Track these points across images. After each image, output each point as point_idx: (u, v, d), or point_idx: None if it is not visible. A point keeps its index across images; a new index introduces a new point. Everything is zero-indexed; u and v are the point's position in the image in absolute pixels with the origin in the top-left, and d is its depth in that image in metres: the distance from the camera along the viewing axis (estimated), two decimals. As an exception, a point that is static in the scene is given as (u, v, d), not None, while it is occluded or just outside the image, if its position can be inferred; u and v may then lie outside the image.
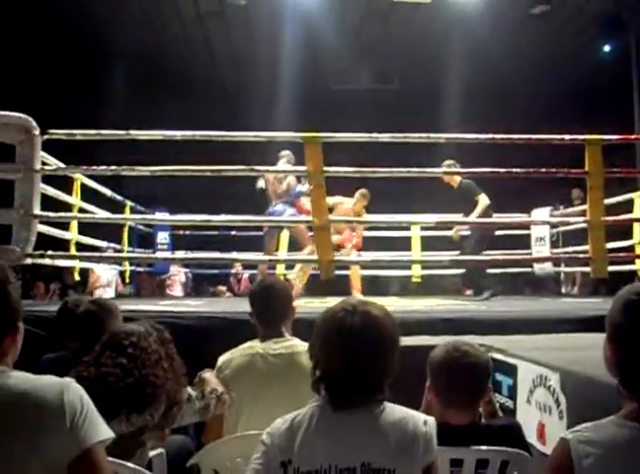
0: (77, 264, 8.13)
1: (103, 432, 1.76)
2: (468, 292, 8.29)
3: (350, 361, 1.95)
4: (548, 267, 10.61)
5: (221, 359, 3.34)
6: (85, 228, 8.13)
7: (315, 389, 2.03)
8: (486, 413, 2.80)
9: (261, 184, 8.00)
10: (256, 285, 3.75)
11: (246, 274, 12.98)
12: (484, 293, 8.01)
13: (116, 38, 13.09)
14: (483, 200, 7.92)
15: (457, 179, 8.09)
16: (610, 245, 7.62)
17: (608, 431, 1.64)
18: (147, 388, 2.74)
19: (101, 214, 8.40)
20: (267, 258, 7.39)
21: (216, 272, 12.83)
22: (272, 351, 3.24)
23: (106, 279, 10.55)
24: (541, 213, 10.21)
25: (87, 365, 2.80)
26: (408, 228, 10.22)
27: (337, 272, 6.28)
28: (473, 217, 7.85)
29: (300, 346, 3.19)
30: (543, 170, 6.71)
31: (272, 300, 3.40)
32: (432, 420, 1.99)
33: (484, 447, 2.41)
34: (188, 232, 11.88)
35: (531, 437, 3.03)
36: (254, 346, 3.31)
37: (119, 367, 2.76)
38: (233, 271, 13.05)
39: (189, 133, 6.18)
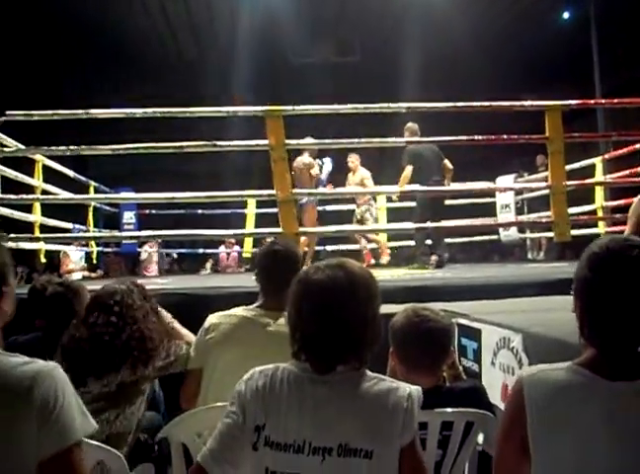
0: (42, 246, 8.04)
1: (79, 430, 1.66)
2: (434, 258, 8.37)
3: (319, 317, 1.86)
4: (514, 233, 10.73)
5: (210, 321, 3.12)
6: (49, 210, 8.04)
7: (296, 358, 1.93)
8: (450, 376, 2.83)
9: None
10: (263, 248, 3.35)
11: (235, 251, 13.04)
12: (430, 259, 8.15)
13: (70, 9, 12.82)
14: (405, 172, 8.06)
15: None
16: (574, 210, 7.75)
17: (560, 373, 1.71)
18: (146, 342, 2.81)
19: (64, 195, 8.30)
20: (231, 232, 7.38)
21: (197, 251, 12.80)
22: (266, 325, 3.01)
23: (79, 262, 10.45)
24: (506, 181, 10.30)
25: (77, 327, 2.85)
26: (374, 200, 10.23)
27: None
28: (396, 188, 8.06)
29: None
30: (505, 136, 6.75)
31: (278, 266, 3.08)
32: (416, 392, 1.88)
33: (448, 410, 2.43)
34: (154, 211, 11.82)
35: (496, 399, 3.07)
36: (247, 315, 3.09)
37: (111, 326, 2.83)
38: (225, 248, 13.06)
39: (149, 111, 6.12)
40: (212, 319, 3.13)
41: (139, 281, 3.30)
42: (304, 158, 8.40)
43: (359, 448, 1.77)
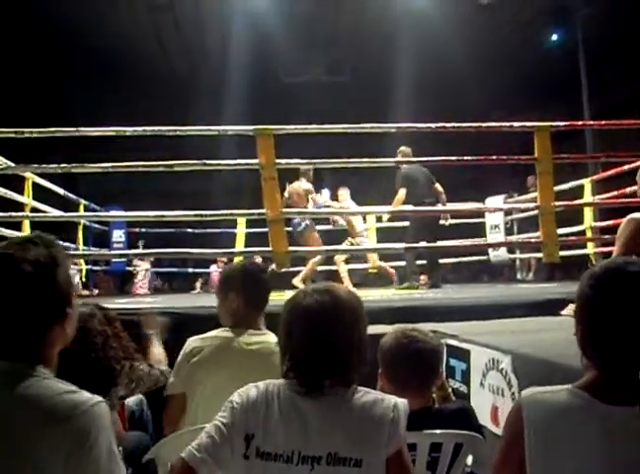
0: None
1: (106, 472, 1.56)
2: (422, 277, 8.42)
3: (309, 341, 1.94)
4: (503, 254, 10.75)
5: (192, 344, 3.15)
6: (38, 228, 7.95)
7: (285, 377, 1.98)
8: (439, 397, 2.83)
9: (286, 193, 8.39)
10: (242, 268, 3.42)
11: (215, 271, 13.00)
12: (420, 280, 8.29)
13: (64, 30, 12.85)
14: (399, 194, 8.12)
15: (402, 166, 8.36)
16: (563, 230, 7.77)
17: (559, 396, 1.71)
18: (104, 370, 2.76)
19: (53, 213, 8.27)
20: (221, 251, 7.36)
21: (187, 270, 12.77)
22: (246, 345, 3.07)
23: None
24: (495, 202, 10.34)
25: None
26: (364, 220, 10.26)
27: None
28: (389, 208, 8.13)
29: (275, 342, 2.97)
30: (494, 157, 6.79)
31: (254, 286, 3.21)
32: (403, 404, 1.94)
33: (437, 431, 2.42)
34: (144, 230, 11.80)
35: (485, 420, 3.07)
36: (228, 336, 3.13)
37: (69, 353, 2.77)
38: (217, 267, 13.05)
39: (139, 129, 6.10)
40: (194, 343, 3.15)
41: (125, 300, 3.30)
42: (303, 184, 8.50)
43: (348, 457, 1.82)
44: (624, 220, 3.84)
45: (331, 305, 1.96)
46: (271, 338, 3.07)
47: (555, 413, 1.68)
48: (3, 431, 1.53)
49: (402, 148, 8.30)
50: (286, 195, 8.43)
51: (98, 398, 1.63)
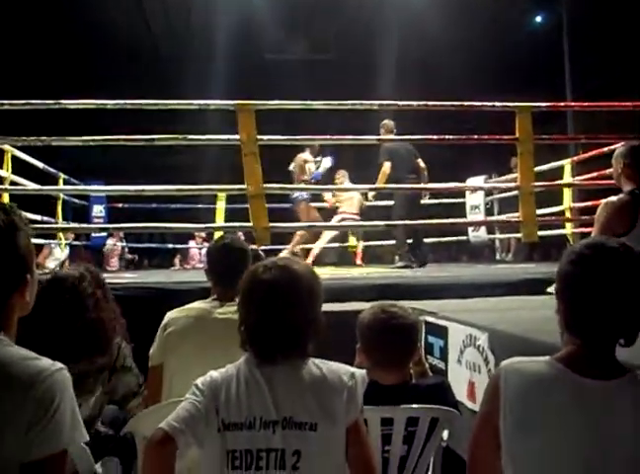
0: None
1: (69, 438, 1.59)
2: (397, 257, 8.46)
3: (264, 313, 1.99)
4: (483, 234, 10.78)
5: (169, 316, 3.21)
6: (17, 201, 7.88)
7: (242, 347, 2.04)
8: (416, 373, 2.84)
9: (291, 167, 8.68)
10: (213, 243, 3.57)
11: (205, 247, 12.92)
12: (403, 261, 8.21)
13: (50, 4, 12.68)
14: (384, 168, 8.11)
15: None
16: (543, 211, 7.82)
17: (537, 366, 1.75)
18: (99, 331, 2.78)
19: (33, 186, 8.19)
20: (201, 226, 7.33)
21: (167, 246, 12.71)
22: (219, 315, 3.14)
23: (59, 256, 10.32)
24: (476, 182, 10.34)
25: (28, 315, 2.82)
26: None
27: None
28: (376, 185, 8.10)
29: None
30: (475, 136, 6.80)
31: (227, 259, 3.27)
32: (360, 374, 2.00)
33: (414, 406, 2.44)
34: (126, 205, 11.73)
35: (462, 396, 3.10)
36: (204, 307, 3.20)
37: (61, 314, 2.78)
38: (195, 244, 12.97)
39: (120, 102, 6.04)
40: (170, 315, 3.21)
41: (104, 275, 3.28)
42: (304, 154, 8.65)
43: (303, 422, 1.88)
44: (602, 203, 3.88)
45: (287, 279, 2.01)
46: None
47: (531, 381, 1.72)
48: None
49: (385, 121, 8.30)
50: (292, 166, 8.62)
51: (60, 365, 1.62)
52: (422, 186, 8.15)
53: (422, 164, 8.35)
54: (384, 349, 2.55)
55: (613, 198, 3.88)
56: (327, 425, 1.89)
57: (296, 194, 8.58)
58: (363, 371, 2.01)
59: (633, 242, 3.82)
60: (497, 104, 6.40)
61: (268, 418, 1.88)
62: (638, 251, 1.80)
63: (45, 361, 1.61)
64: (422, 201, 8.63)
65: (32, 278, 1.73)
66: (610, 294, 1.69)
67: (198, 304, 3.24)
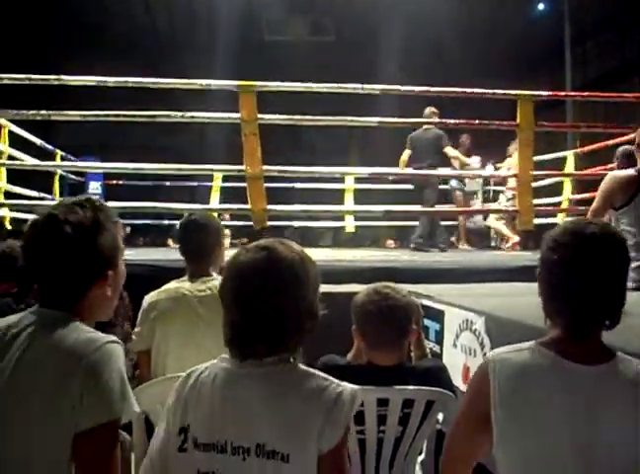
0: (7, 213, 7.84)
1: (116, 409, 1.62)
2: (389, 242, 8.54)
3: (236, 304, 1.75)
4: (479, 221, 10.79)
5: (147, 300, 3.26)
6: (14, 178, 7.89)
7: (227, 345, 1.80)
8: (417, 356, 2.86)
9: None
10: (182, 220, 3.58)
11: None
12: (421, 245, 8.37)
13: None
14: (402, 156, 8.57)
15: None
16: (542, 201, 7.84)
17: (524, 354, 1.74)
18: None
19: (30, 162, 8.15)
20: (199, 207, 7.29)
21: (160, 222, 12.65)
22: (198, 292, 3.18)
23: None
24: (474, 161, 10.28)
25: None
26: (342, 180, 10.24)
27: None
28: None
29: None
30: (476, 122, 6.80)
31: (195, 236, 3.33)
32: (350, 392, 1.73)
33: (410, 387, 2.45)
34: (121, 182, 11.71)
35: (457, 380, 3.11)
36: (180, 286, 3.24)
37: None
38: None
39: (121, 80, 6.02)
40: (149, 299, 3.27)
41: None
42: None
43: (275, 451, 1.66)
44: (607, 175, 3.97)
45: (264, 264, 1.74)
46: (218, 282, 3.12)
47: (520, 370, 1.71)
48: (39, 367, 1.62)
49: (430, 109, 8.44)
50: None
51: (112, 337, 1.70)
52: (418, 172, 8.18)
53: (450, 152, 8.62)
54: (378, 330, 2.54)
55: (620, 173, 3.96)
56: (299, 454, 1.66)
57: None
58: (355, 388, 1.75)
59: (626, 216, 3.88)
60: (498, 91, 6.41)
61: (238, 443, 1.68)
62: (616, 232, 1.83)
63: (99, 334, 1.70)
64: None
65: (115, 274, 1.84)
66: (587, 280, 1.69)
67: (174, 284, 3.29)
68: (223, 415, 1.70)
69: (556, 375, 1.68)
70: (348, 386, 1.74)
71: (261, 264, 1.74)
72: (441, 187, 9.56)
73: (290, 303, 1.73)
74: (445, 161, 8.79)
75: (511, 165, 9.02)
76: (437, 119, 6.53)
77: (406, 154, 8.52)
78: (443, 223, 9.76)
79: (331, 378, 1.75)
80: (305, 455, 1.66)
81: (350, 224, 10.66)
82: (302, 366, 1.79)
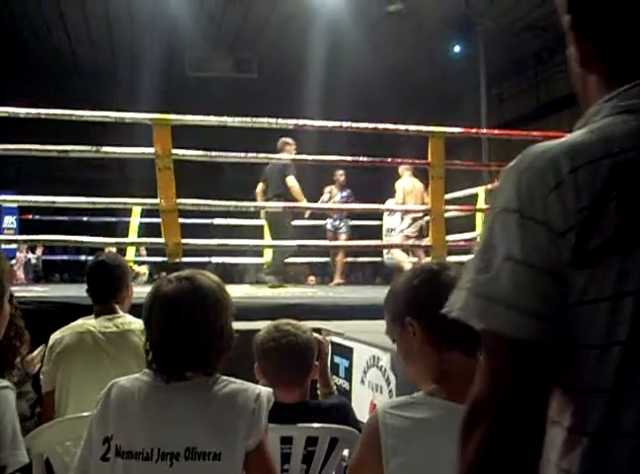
0: None
1: (6, 457, 1.64)
2: (311, 278, 8.49)
3: (166, 329, 1.91)
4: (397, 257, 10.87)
5: (53, 338, 3.21)
6: None
7: (148, 366, 1.96)
8: (323, 394, 2.84)
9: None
10: (89, 262, 3.68)
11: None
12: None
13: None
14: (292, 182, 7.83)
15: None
16: (456, 237, 7.98)
17: (416, 406, 1.68)
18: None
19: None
20: (113, 240, 7.18)
21: (77, 258, 12.41)
22: (103, 328, 3.16)
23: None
24: (392, 203, 10.41)
25: None
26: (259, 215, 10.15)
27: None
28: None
29: (133, 323, 3.15)
30: (389, 159, 6.91)
31: (101, 276, 3.35)
32: (266, 393, 1.94)
33: (314, 425, 2.45)
34: (37, 217, 11.47)
35: (364, 416, 3.10)
36: (85, 323, 3.22)
37: None
38: None
39: (33, 111, 5.90)
40: (54, 336, 3.23)
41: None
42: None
43: (206, 451, 1.80)
44: None
45: (190, 292, 1.93)
46: (127, 319, 3.24)
47: (412, 424, 1.64)
48: None
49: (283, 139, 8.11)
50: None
51: (3, 382, 1.70)
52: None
53: (289, 182, 7.82)
54: (278, 367, 2.52)
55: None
56: (229, 452, 1.83)
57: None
58: (270, 390, 1.97)
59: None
60: (411, 128, 6.52)
61: (167, 449, 1.81)
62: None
63: None
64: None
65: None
66: None
67: (80, 321, 3.28)
68: (149, 424, 1.83)
69: (445, 424, 1.57)
70: (263, 388, 1.96)
71: (187, 293, 1.92)
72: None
73: (217, 328, 1.93)
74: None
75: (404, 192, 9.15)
76: (349, 158, 6.57)
77: (259, 187, 8.19)
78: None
79: (247, 383, 1.97)
80: (234, 453, 1.82)
81: (269, 260, 10.62)
82: (221, 376, 1.95)
